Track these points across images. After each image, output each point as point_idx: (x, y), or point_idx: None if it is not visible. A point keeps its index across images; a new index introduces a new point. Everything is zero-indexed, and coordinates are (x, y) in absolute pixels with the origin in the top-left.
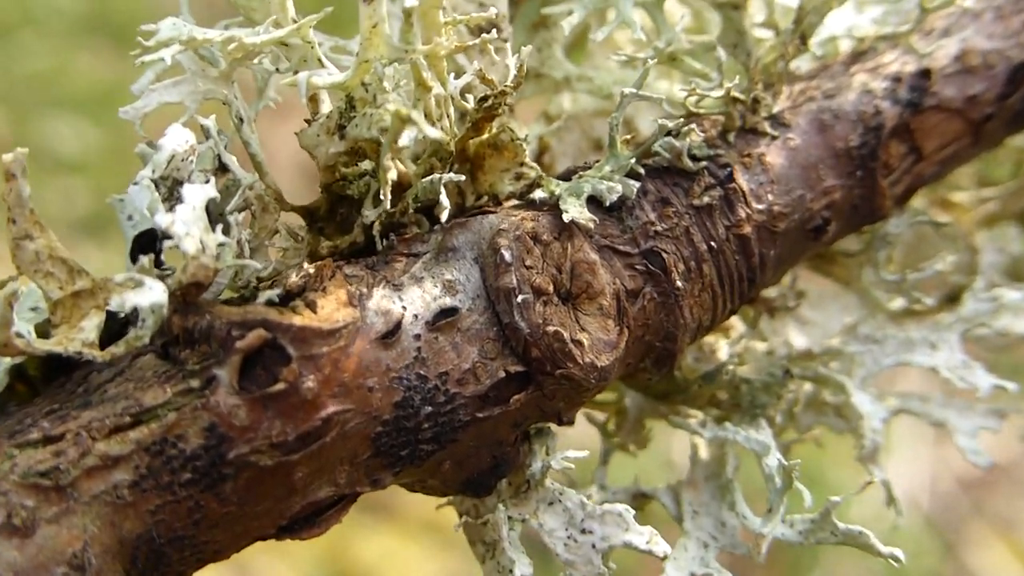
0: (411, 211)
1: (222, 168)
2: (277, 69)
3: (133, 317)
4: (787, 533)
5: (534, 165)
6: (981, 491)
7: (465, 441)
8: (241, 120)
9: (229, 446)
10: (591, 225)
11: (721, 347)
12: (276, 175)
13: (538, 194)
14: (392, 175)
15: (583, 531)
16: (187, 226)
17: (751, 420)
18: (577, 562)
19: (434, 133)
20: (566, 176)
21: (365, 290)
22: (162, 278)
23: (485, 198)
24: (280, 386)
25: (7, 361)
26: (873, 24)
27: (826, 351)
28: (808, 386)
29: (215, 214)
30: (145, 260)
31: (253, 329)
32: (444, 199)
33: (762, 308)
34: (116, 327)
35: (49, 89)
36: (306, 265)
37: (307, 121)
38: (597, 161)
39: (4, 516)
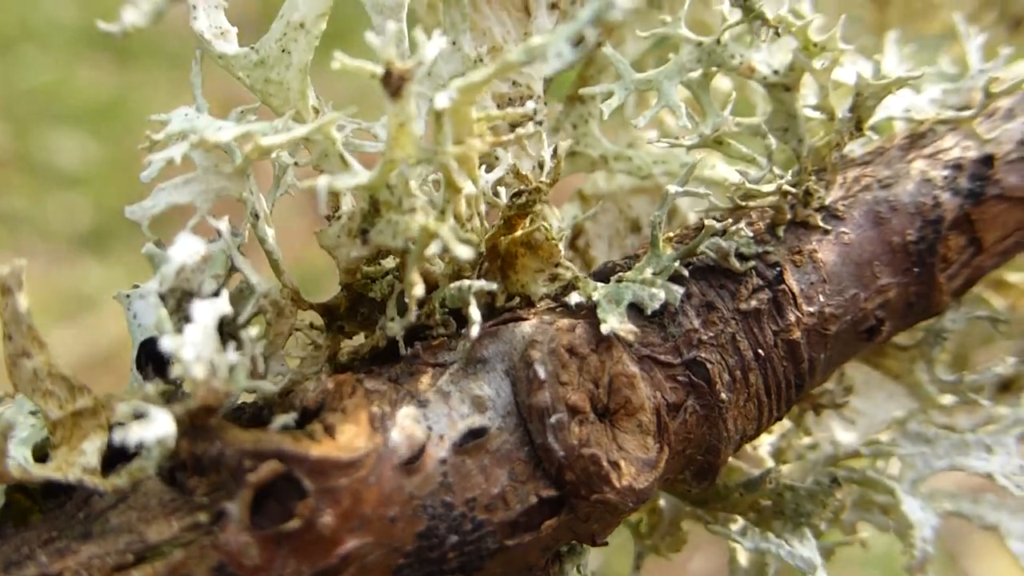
0: (437, 315)
1: (235, 270)
2: (296, 163)
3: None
4: None
5: (570, 265)
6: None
7: (492, 569)
8: (257, 217)
9: None
10: (631, 338)
11: (763, 444)
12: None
13: (574, 298)
14: (419, 289)
15: None
16: (196, 349)
17: (794, 528)
18: None
19: (464, 253)
20: (604, 275)
21: (388, 409)
22: (170, 397)
23: (517, 299)
24: (295, 523)
25: None
26: (932, 104)
27: (875, 449)
28: (855, 487)
29: (227, 326)
30: (150, 388)
31: (267, 460)
32: (474, 311)
33: (807, 405)
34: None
35: (50, 103)
36: (324, 378)
37: (327, 218)
38: (638, 256)
39: None
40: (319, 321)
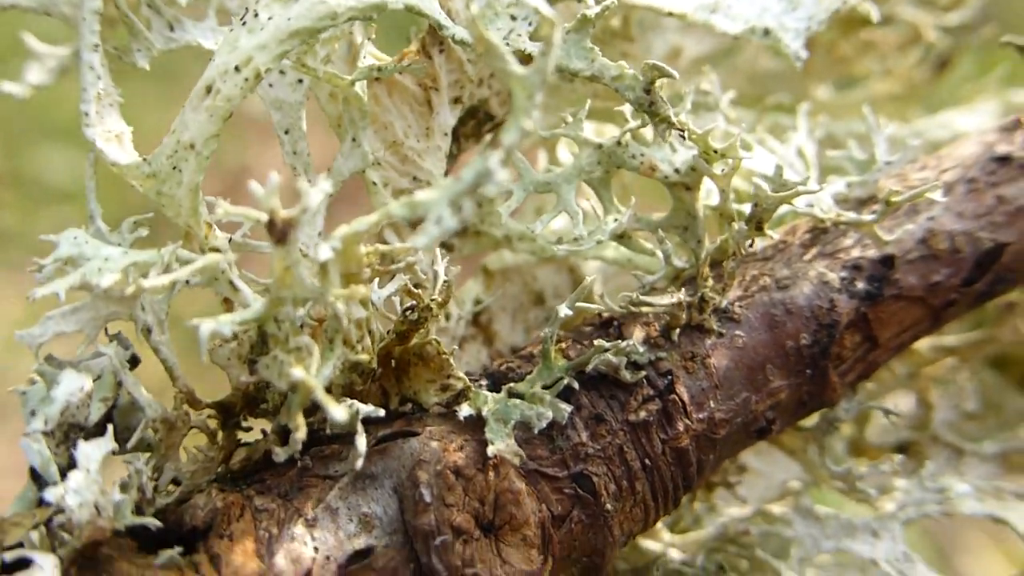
0: (328, 429)
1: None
2: (187, 282)
3: None
4: None
5: (461, 376)
6: None
7: None
8: (149, 331)
9: None
10: (516, 461)
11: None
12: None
13: (464, 410)
14: (301, 432)
15: None
16: (80, 496)
17: None
18: None
19: (339, 415)
20: (496, 379)
21: (275, 530)
22: (57, 534)
23: (410, 404)
24: None
25: None
26: (834, 202)
27: (764, 529)
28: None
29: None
30: (35, 536)
31: None
32: (361, 443)
33: (700, 483)
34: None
35: (40, 118)
36: (215, 493)
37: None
38: (532, 357)
39: None
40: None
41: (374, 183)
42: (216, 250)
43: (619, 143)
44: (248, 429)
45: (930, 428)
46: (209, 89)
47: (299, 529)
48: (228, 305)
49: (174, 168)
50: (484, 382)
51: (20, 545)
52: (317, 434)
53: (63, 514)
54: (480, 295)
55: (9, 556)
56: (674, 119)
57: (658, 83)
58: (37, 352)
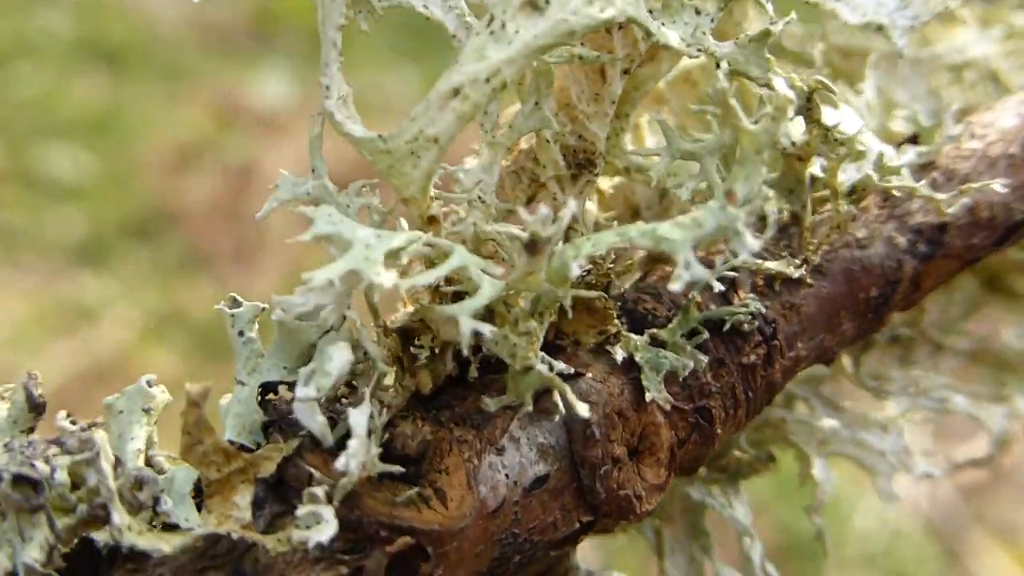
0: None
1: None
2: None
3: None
4: None
5: (617, 324)
6: (983, 498)
7: (533, 570)
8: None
9: None
10: (667, 406)
11: None
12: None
13: (619, 354)
14: (528, 406)
15: None
16: (359, 459)
17: (732, 484)
18: None
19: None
20: (637, 320)
21: (476, 462)
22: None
23: (567, 339)
24: None
25: None
26: (907, 171)
27: (798, 417)
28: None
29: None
30: (320, 492)
31: (401, 534)
32: (560, 395)
33: None
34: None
35: (45, 116)
36: (420, 424)
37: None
38: (658, 303)
39: None
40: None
41: (547, 140)
42: (434, 219)
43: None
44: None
45: (920, 326)
46: (456, 92)
47: (493, 458)
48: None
49: (412, 153)
50: (624, 318)
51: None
52: (488, 361)
53: (346, 477)
54: (598, 216)
55: (300, 511)
56: (828, 126)
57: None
58: (293, 317)
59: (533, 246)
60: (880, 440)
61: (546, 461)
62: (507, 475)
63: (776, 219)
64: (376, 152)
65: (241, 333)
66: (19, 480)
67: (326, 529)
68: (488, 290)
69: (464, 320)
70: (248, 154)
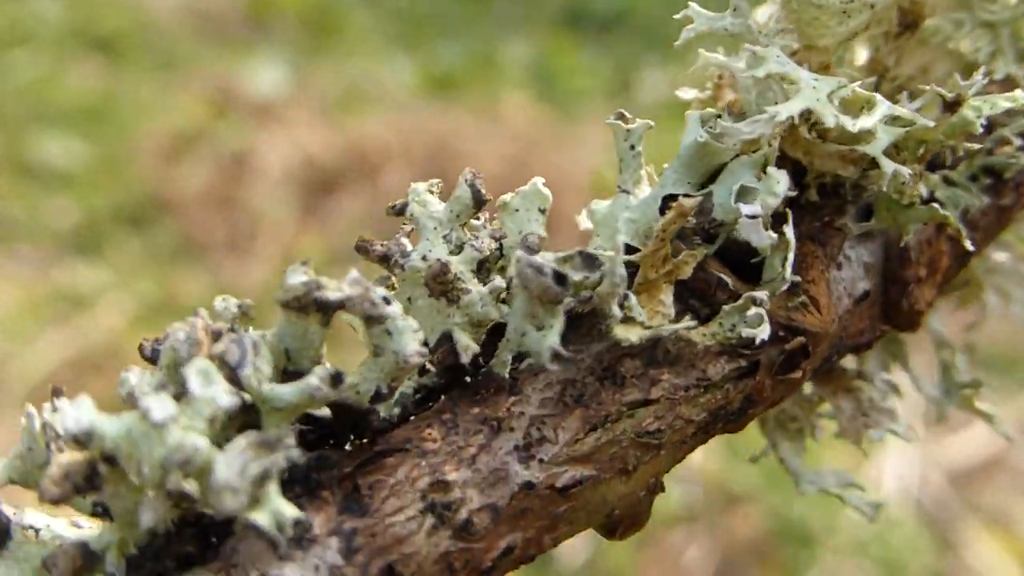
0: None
1: None
2: None
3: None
4: None
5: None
6: (975, 487)
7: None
8: None
9: (752, 408)
10: (968, 243)
11: None
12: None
13: (923, 191)
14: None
15: None
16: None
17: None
18: None
19: None
20: (929, 166)
21: (827, 275)
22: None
23: None
24: (798, 374)
25: None
26: None
27: None
28: None
29: None
30: (764, 296)
31: (796, 335)
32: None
33: None
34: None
35: (38, 103)
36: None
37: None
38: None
39: (621, 463)
40: None
41: None
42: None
43: None
44: None
45: None
46: None
47: (834, 273)
48: None
49: (843, 12)
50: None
51: None
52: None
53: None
54: None
55: (750, 312)
56: None
57: None
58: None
59: (953, 105)
60: None
61: (868, 277)
62: (844, 287)
63: None
64: (804, 3)
65: (632, 147)
66: (557, 276)
67: (766, 328)
68: (886, 137)
69: (882, 159)
70: (242, 142)
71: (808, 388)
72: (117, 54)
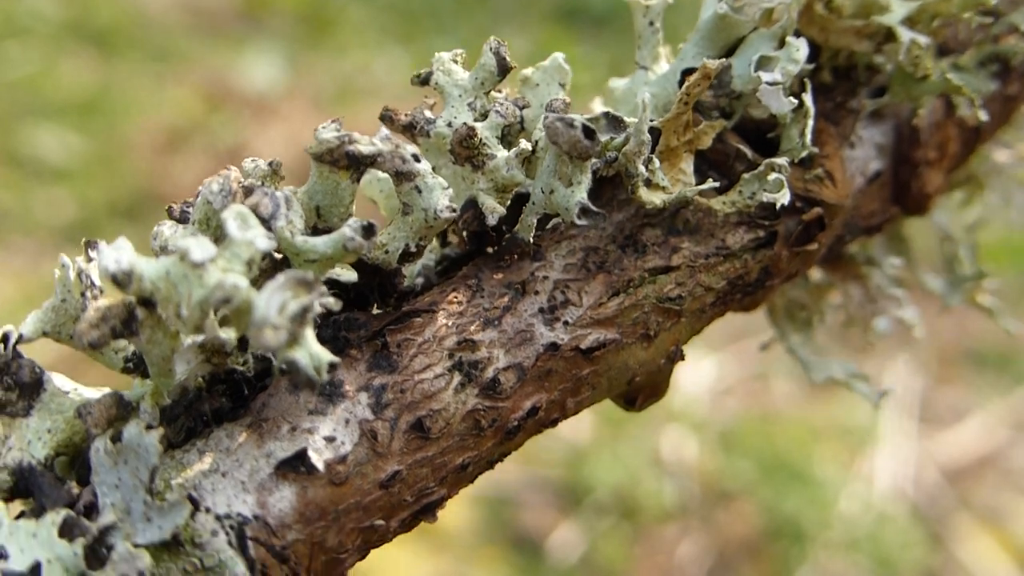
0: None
1: None
2: None
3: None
4: None
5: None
6: (967, 483)
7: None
8: None
9: (770, 280)
10: (981, 121)
11: None
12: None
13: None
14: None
15: None
16: (803, 146)
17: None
18: None
19: None
20: (940, 52)
21: (841, 152)
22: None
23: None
24: (814, 246)
25: None
26: None
27: None
28: None
29: None
30: (784, 162)
31: (813, 206)
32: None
33: None
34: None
35: (33, 97)
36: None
37: None
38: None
39: (643, 328)
40: None
41: None
42: None
43: None
44: None
45: None
46: None
47: (847, 152)
48: None
49: None
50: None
51: None
52: (837, 71)
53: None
54: None
55: (771, 178)
56: None
57: None
58: None
59: None
60: None
61: (880, 158)
62: (856, 167)
63: None
64: None
65: (651, 23)
66: (586, 130)
67: (786, 193)
68: (901, 9)
69: (898, 28)
70: (237, 136)
71: (818, 274)
72: (112, 48)
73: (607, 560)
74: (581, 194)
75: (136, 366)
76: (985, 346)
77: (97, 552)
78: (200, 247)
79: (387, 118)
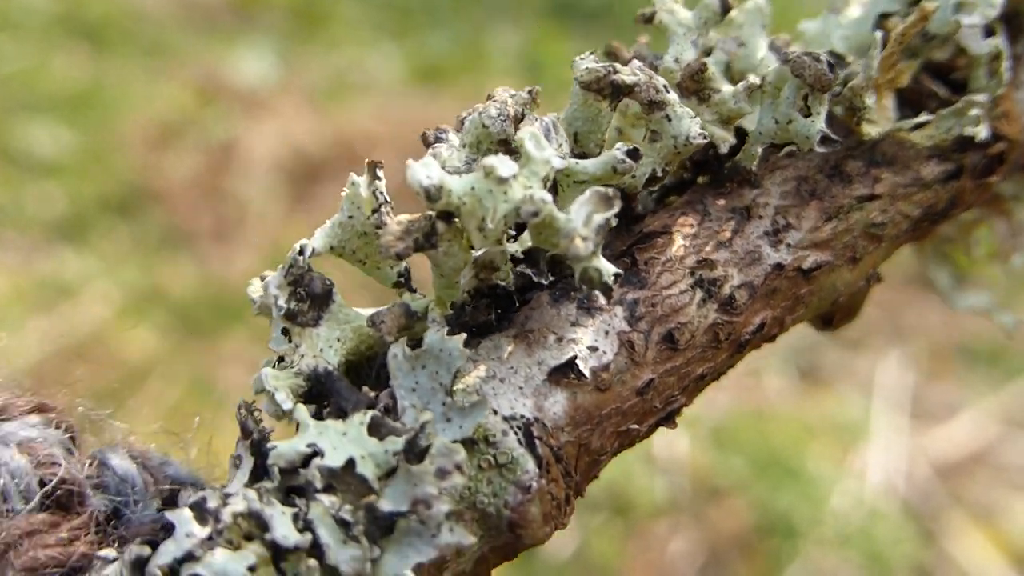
0: None
1: None
2: None
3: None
4: None
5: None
6: (959, 479)
7: None
8: None
9: (954, 210)
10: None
11: None
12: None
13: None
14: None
15: None
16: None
17: None
18: None
19: None
20: None
21: (1012, 92)
22: None
23: None
24: (995, 178)
25: None
26: None
27: None
28: None
29: None
30: (980, 99)
31: (998, 141)
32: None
33: None
34: None
35: (24, 92)
36: (1002, 43)
37: None
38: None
39: (851, 252)
40: None
41: None
42: None
43: None
44: None
45: None
46: None
47: (1015, 93)
48: None
49: None
50: None
51: None
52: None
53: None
54: None
55: (944, 112)
56: None
57: None
58: None
59: None
60: None
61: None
62: (1021, 108)
63: None
64: None
65: None
66: (830, 65)
67: (984, 128)
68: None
69: None
70: (229, 132)
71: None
72: (104, 42)
73: (600, 556)
74: (820, 123)
75: (405, 281)
76: (977, 342)
77: (415, 447)
78: (504, 164)
79: (612, 55)
